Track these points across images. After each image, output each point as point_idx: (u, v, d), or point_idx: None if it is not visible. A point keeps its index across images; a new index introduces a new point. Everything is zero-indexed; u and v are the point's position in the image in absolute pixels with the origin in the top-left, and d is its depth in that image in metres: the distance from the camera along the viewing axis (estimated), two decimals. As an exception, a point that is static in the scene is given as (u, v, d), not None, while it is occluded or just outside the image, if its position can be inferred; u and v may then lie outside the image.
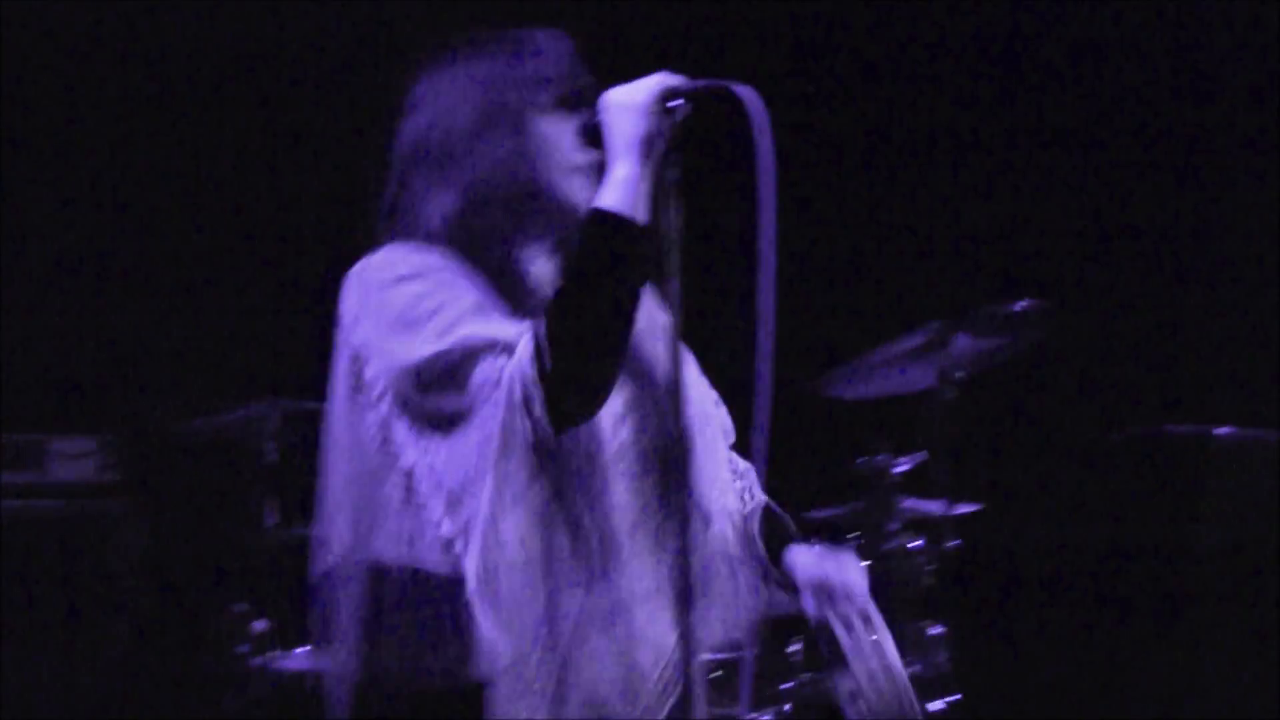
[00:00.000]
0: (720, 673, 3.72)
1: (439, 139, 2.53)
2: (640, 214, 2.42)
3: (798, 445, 4.22)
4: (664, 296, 2.48)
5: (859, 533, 4.57)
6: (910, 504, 4.60)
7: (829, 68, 5.86)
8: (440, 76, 2.58)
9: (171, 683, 5.04)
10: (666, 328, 2.47)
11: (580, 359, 2.37)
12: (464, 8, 3.10)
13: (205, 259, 5.48)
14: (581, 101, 2.53)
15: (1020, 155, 5.75)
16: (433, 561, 2.42)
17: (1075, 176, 5.71)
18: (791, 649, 4.33)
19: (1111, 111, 5.68)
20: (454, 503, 2.41)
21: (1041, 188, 5.73)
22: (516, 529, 2.40)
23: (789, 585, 2.64)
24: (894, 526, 4.56)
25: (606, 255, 2.41)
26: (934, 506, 4.56)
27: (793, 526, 2.73)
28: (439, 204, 2.51)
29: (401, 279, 2.46)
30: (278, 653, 4.57)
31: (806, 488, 4.59)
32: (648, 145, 2.43)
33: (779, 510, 2.73)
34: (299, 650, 4.57)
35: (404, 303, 2.44)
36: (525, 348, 2.38)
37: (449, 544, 2.41)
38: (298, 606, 4.63)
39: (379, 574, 2.45)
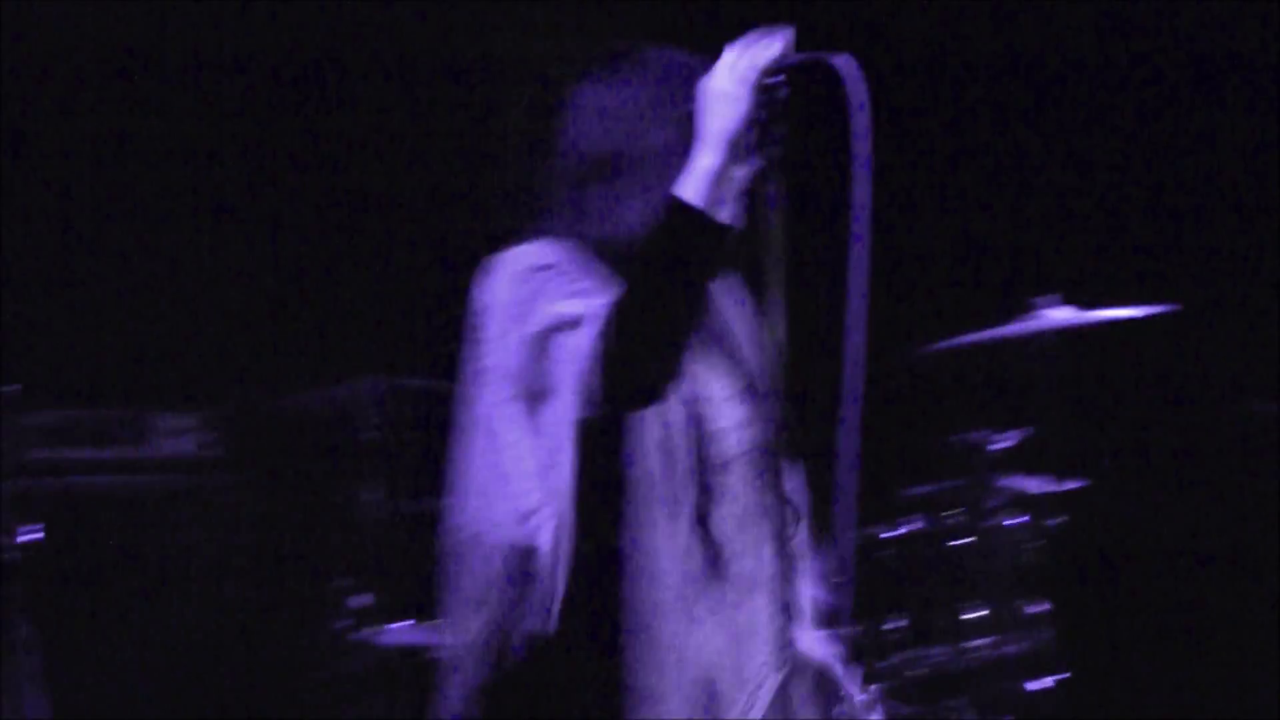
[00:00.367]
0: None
1: (628, 150, 2.55)
2: (715, 207, 2.41)
3: (894, 420, 4.19)
4: (761, 292, 2.48)
5: (958, 509, 4.53)
6: (1011, 481, 4.55)
7: (928, 31, 5.77)
8: (617, 85, 2.59)
9: (272, 658, 5.07)
10: (762, 326, 2.49)
11: (635, 345, 2.39)
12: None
13: (310, 235, 5.51)
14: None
15: (1128, 128, 5.66)
16: (523, 534, 2.50)
17: (1196, 151, 5.60)
18: (891, 626, 4.31)
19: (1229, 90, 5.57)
20: (541, 475, 2.47)
21: (1157, 164, 5.63)
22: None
23: None
24: (994, 504, 4.52)
25: (674, 245, 2.41)
26: (1035, 483, 4.51)
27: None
28: (630, 212, 2.54)
29: (543, 272, 2.52)
30: (379, 627, 4.59)
31: (903, 464, 4.56)
32: (738, 137, 2.41)
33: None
34: (400, 625, 4.59)
35: (528, 293, 2.50)
36: (596, 328, 2.41)
37: (526, 516, 2.49)
38: (400, 581, 4.71)
39: (494, 548, 2.52)
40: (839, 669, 2.70)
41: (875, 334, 2.40)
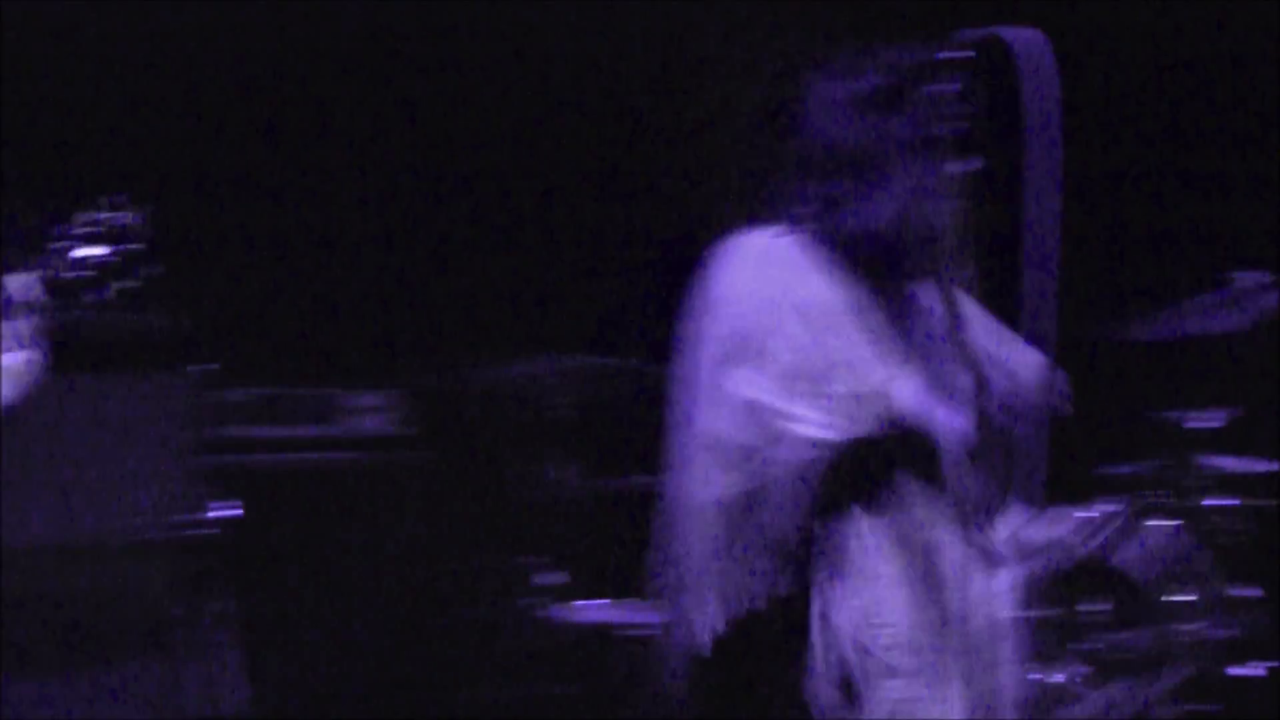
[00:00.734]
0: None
1: (867, 143, 2.60)
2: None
3: (1094, 397, 4.08)
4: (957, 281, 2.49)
5: (1161, 490, 4.41)
6: (1218, 461, 4.42)
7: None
8: (857, 79, 2.63)
9: (461, 634, 5.11)
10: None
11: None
12: None
13: (501, 216, 5.53)
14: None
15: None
16: (737, 507, 2.61)
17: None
18: (1091, 608, 4.21)
19: None
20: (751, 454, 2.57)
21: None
22: None
23: None
24: (1200, 485, 4.39)
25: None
26: (1242, 464, 4.38)
27: None
28: (868, 202, 2.60)
29: (803, 273, 2.60)
30: (569, 604, 4.60)
31: (1103, 442, 4.45)
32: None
33: None
34: (590, 602, 4.60)
35: (804, 298, 2.57)
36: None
37: (742, 491, 2.60)
38: (588, 558, 4.71)
39: (711, 518, 2.59)
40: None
41: (1069, 314, 2.37)
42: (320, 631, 4.93)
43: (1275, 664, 4.28)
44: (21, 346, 3.07)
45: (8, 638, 4.15)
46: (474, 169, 5.52)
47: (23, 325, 3.03)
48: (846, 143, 2.60)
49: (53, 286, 2.86)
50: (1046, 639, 4.01)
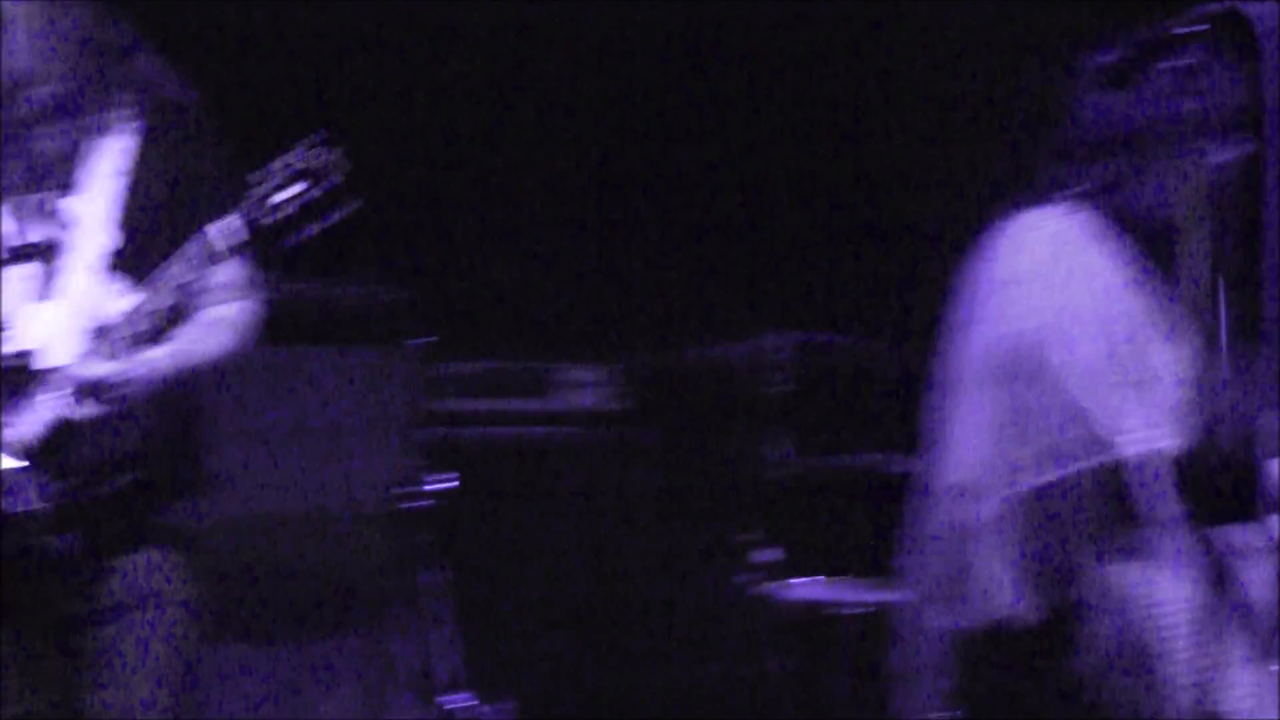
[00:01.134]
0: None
1: (1145, 124, 2.58)
2: None
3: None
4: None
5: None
6: None
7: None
8: (1139, 63, 2.60)
9: (677, 610, 5.09)
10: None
11: None
12: None
13: (717, 194, 5.49)
14: None
15: None
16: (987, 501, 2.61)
17: None
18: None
19: None
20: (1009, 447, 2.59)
21: None
22: None
23: None
24: None
25: None
26: None
27: None
28: (1149, 183, 2.59)
29: (1097, 258, 2.57)
30: (785, 582, 4.55)
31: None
32: None
33: None
34: (806, 580, 4.55)
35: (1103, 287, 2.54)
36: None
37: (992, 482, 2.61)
38: (805, 536, 4.65)
39: (963, 506, 2.58)
40: None
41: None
42: (534, 605, 4.95)
43: None
44: (235, 297, 3.06)
45: (226, 608, 4.21)
46: (709, 142, 5.49)
47: (232, 273, 3.01)
48: (1114, 122, 2.59)
49: (255, 230, 2.83)
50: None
